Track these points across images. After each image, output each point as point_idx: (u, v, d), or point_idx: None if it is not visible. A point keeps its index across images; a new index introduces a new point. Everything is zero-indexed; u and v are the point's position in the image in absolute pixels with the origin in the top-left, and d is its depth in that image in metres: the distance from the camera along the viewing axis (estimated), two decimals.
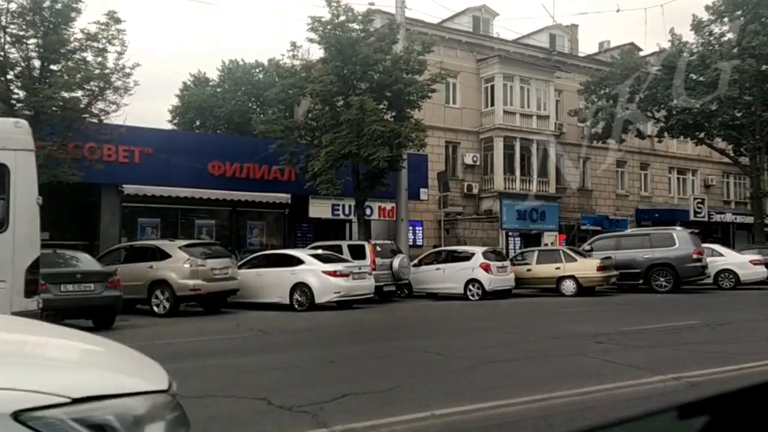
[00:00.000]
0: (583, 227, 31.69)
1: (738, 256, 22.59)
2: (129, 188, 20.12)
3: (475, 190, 29.17)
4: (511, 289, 19.58)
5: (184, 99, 41.03)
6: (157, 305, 15.15)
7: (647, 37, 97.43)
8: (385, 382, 6.55)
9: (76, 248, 14.88)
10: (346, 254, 18.26)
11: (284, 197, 22.65)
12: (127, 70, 17.24)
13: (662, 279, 20.34)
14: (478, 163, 29.39)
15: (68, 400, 1.76)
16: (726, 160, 32.07)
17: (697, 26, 27.81)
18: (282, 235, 24.31)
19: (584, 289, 19.42)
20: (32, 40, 16.66)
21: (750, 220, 31.36)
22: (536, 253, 21.20)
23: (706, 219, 33.02)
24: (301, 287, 16.16)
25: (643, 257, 20.67)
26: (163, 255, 15.41)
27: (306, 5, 47.13)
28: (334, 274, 16.05)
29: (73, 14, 17.03)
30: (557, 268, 19.85)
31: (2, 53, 16.40)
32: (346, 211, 23.65)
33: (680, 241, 20.52)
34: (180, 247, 15.54)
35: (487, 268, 18.85)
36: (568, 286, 19.58)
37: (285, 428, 4.85)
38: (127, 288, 13.56)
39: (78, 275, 12.30)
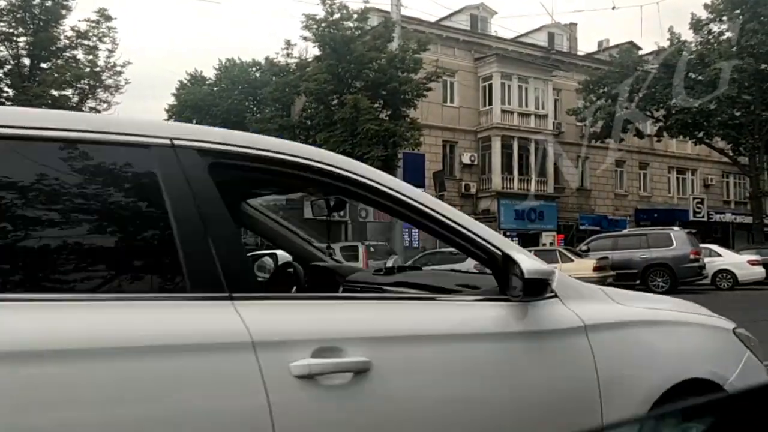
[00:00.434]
0: (581, 227, 31.46)
1: (736, 256, 22.41)
2: None
3: (473, 190, 28.99)
4: None
5: (181, 98, 40.81)
6: None
7: (644, 35, 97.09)
8: None
9: None
10: (339, 256, 18.05)
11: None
12: (118, 68, 17.15)
13: (659, 279, 20.16)
14: (475, 162, 29.21)
15: None
16: (725, 159, 31.84)
17: (696, 25, 27.63)
18: None
19: None
20: (22, 38, 16.58)
21: (750, 220, 31.13)
22: (532, 254, 20.95)
23: (705, 219, 32.76)
24: None
25: (640, 257, 20.47)
26: None
27: (304, 3, 47.05)
28: None
29: (63, 12, 16.93)
30: None
31: None
32: (342, 212, 23.44)
33: (677, 242, 20.33)
34: None
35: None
36: None
37: None
38: None
39: None
